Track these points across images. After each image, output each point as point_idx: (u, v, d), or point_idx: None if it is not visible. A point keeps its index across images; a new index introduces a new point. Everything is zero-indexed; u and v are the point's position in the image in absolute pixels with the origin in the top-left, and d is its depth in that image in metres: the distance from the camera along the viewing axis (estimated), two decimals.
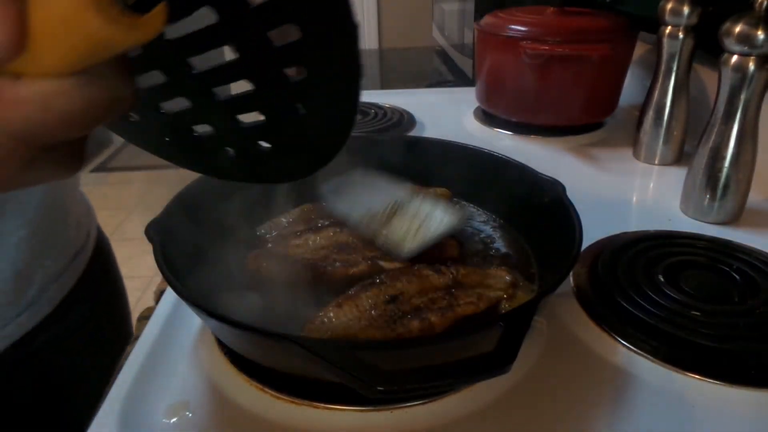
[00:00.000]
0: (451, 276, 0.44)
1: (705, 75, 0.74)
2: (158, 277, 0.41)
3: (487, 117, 0.90)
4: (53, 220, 0.52)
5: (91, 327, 0.58)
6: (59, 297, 0.53)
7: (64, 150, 0.21)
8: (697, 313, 0.43)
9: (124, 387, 0.39)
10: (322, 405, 0.37)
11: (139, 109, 0.29)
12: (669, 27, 0.69)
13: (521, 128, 0.84)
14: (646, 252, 0.50)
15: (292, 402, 0.37)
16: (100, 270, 0.61)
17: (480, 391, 0.38)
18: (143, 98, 0.24)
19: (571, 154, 0.79)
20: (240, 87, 0.27)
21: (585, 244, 0.43)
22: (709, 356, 0.40)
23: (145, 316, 0.50)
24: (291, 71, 0.26)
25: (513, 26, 0.78)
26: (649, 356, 0.41)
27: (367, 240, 0.47)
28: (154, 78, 0.27)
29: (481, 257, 0.49)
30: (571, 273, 0.48)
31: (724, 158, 0.57)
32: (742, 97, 0.55)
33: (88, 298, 0.57)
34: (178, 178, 0.49)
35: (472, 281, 0.44)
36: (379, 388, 0.28)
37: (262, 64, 0.26)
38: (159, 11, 0.19)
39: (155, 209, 0.44)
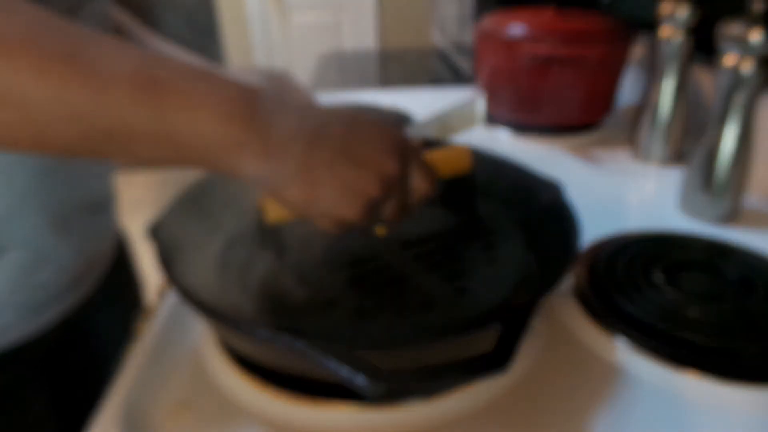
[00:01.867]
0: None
1: (703, 76, 0.75)
2: (158, 277, 0.42)
3: (487, 117, 0.90)
4: (111, 206, 0.58)
5: (114, 307, 0.61)
6: (96, 278, 0.56)
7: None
8: (696, 313, 0.43)
9: (125, 387, 0.40)
10: (322, 405, 0.37)
11: None
12: (667, 28, 0.69)
13: (521, 128, 0.85)
14: (645, 252, 0.51)
15: (292, 402, 0.37)
16: (119, 256, 0.64)
17: (480, 391, 0.38)
18: None
19: (570, 154, 0.79)
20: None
21: (584, 244, 0.43)
22: (707, 355, 0.40)
23: (146, 315, 0.51)
24: None
25: (512, 27, 0.79)
26: (647, 355, 0.41)
27: None
28: None
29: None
30: (570, 273, 0.48)
31: (721, 158, 0.58)
32: (739, 97, 0.55)
33: (111, 280, 0.60)
34: (179, 179, 0.49)
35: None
36: (379, 388, 0.28)
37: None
38: None
39: (155, 209, 0.44)
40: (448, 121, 0.62)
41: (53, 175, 0.47)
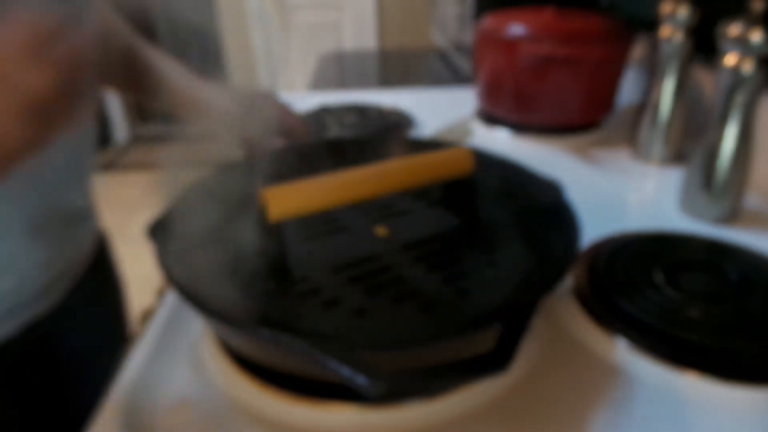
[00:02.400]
0: None
1: (703, 76, 0.75)
2: (158, 277, 0.42)
3: (487, 117, 0.90)
4: (86, 219, 0.56)
5: (90, 319, 0.60)
6: (68, 286, 0.55)
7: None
8: (696, 313, 0.43)
9: (125, 387, 0.40)
10: (323, 404, 0.37)
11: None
12: (667, 28, 0.69)
13: (520, 128, 0.85)
14: (645, 252, 0.51)
15: (293, 401, 0.37)
16: (100, 264, 0.63)
17: (480, 391, 0.38)
18: None
19: (570, 154, 0.79)
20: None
21: (584, 244, 0.43)
22: (707, 355, 0.40)
23: (146, 316, 0.51)
24: None
25: (512, 27, 0.79)
26: (647, 355, 0.41)
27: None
28: None
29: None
30: (570, 273, 0.48)
31: (721, 158, 0.58)
32: (739, 97, 0.55)
33: (88, 291, 0.59)
34: (179, 179, 0.49)
35: None
36: (379, 388, 0.28)
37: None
38: None
39: (156, 209, 0.44)
40: (445, 137, 0.66)
41: (19, 186, 0.46)
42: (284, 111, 0.61)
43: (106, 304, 0.65)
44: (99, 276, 0.62)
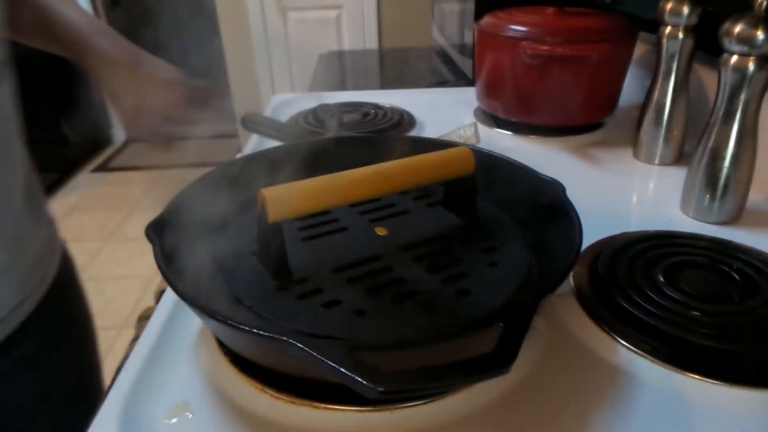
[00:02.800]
0: None
1: (705, 75, 0.75)
2: (158, 277, 0.41)
3: (487, 117, 0.90)
4: (21, 243, 0.52)
5: (45, 367, 0.56)
6: (11, 327, 0.51)
7: None
8: (697, 313, 0.43)
9: (125, 387, 0.39)
10: (323, 405, 0.37)
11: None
12: (669, 27, 0.69)
13: (521, 128, 0.85)
14: (646, 252, 0.51)
15: (293, 402, 0.37)
16: (62, 307, 0.59)
17: (480, 391, 0.38)
18: None
19: (571, 154, 0.79)
20: None
21: (585, 244, 0.43)
22: (709, 356, 0.40)
23: (145, 316, 0.50)
24: None
25: (512, 26, 0.78)
26: (648, 356, 0.41)
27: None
28: None
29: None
30: (571, 273, 0.48)
31: (723, 158, 0.57)
32: (742, 96, 0.55)
33: (42, 333, 0.55)
34: (179, 178, 0.49)
35: None
36: (379, 388, 0.28)
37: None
38: None
39: (155, 209, 0.44)
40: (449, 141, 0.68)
41: None
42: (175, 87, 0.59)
43: (57, 357, 0.59)
44: (48, 328, 0.57)
